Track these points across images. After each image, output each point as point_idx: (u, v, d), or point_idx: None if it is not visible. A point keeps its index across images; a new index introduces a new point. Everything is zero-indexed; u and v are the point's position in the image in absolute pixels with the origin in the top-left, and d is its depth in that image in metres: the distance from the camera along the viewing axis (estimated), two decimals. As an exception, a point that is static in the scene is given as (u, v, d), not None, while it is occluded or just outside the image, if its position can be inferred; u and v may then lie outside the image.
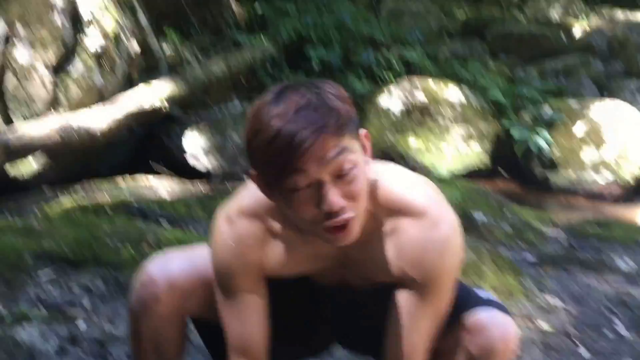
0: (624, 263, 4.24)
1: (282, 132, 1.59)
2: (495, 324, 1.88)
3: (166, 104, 5.95)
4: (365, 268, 1.87)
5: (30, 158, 5.29)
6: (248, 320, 1.88)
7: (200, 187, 6.17)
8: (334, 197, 1.64)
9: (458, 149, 7.30)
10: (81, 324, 2.93)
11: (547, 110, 7.57)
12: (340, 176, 1.65)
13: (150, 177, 6.18)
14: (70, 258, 3.38)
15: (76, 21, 5.49)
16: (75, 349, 2.73)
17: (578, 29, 10.91)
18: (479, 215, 4.55)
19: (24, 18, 5.29)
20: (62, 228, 3.62)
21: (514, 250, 4.28)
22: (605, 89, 8.89)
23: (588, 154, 7.25)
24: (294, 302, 2.03)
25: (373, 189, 1.77)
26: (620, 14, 11.70)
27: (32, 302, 3.09)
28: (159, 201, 4.54)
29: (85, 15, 5.53)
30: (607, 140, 7.26)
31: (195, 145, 6.51)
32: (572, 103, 7.73)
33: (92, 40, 5.53)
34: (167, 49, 7.26)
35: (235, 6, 8.87)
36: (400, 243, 1.80)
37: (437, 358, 1.95)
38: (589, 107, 7.56)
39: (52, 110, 5.37)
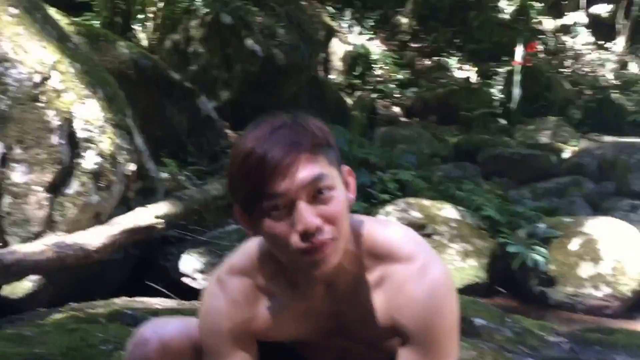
0: (628, 366, 4.13)
1: (255, 151, 1.57)
2: None
3: (162, 222, 5.90)
4: (358, 323, 1.78)
5: (25, 280, 5.19)
6: None
7: (196, 303, 6.06)
8: (308, 216, 1.59)
9: (454, 265, 7.22)
10: None
11: (541, 227, 7.52)
12: (315, 197, 1.60)
13: (146, 298, 6.08)
14: (62, 364, 3.27)
15: (73, 141, 5.50)
16: None
17: (567, 152, 11.05)
18: (479, 321, 4.46)
19: (22, 140, 5.30)
20: (55, 335, 3.52)
21: (516, 353, 4.16)
22: (597, 208, 8.90)
23: (585, 269, 7.15)
24: None
25: (357, 233, 1.72)
26: (607, 138, 11.88)
27: (23, 409, 2.96)
28: (154, 310, 4.46)
29: (82, 135, 5.54)
30: (603, 255, 7.18)
31: (191, 267, 6.43)
32: (567, 220, 7.70)
33: (89, 160, 5.53)
34: (164, 175, 7.29)
35: (231, 133, 8.97)
36: (391, 291, 1.73)
37: None
38: (584, 223, 7.52)
39: (48, 230, 5.32)
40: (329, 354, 1.91)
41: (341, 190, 1.65)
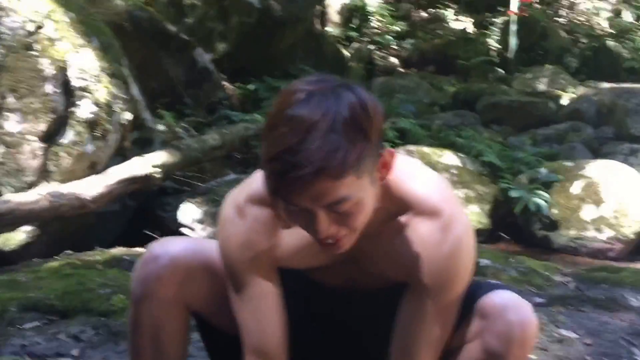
0: (637, 301, 4.00)
1: (282, 158, 1.44)
2: (512, 307, 1.70)
3: (159, 171, 5.74)
4: (374, 262, 1.74)
5: (19, 230, 5.05)
6: (265, 318, 1.74)
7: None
8: (325, 227, 1.51)
9: (457, 210, 7.10)
10: (69, 368, 2.66)
11: (543, 172, 7.39)
12: (336, 209, 1.51)
13: (144, 249, 5.94)
14: (58, 308, 3.16)
15: (68, 90, 5.33)
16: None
17: (566, 99, 10.89)
18: (484, 261, 4.34)
19: (15, 88, 5.13)
20: (50, 280, 3.40)
21: (522, 293, 4.01)
22: (597, 153, 8.76)
23: (587, 212, 7.03)
24: (296, 310, 1.85)
25: (387, 185, 1.63)
26: (604, 85, 11.71)
27: (17, 353, 2.83)
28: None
29: (77, 84, 5.37)
30: (605, 198, 7.06)
31: (190, 217, 6.29)
32: (568, 164, 7.57)
33: (84, 109, 5.36)
34: (160, 128, 7.12)
35: (228, 85, 8.81)
36: (412, 241, 1.67)
37: (450, 357, 1.79)
38: (585, 167, 7.40)
39: (42, 180, 5.17)
40: (337, 278, 1.83)
41: (367, 195, 1.53)
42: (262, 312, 1.73)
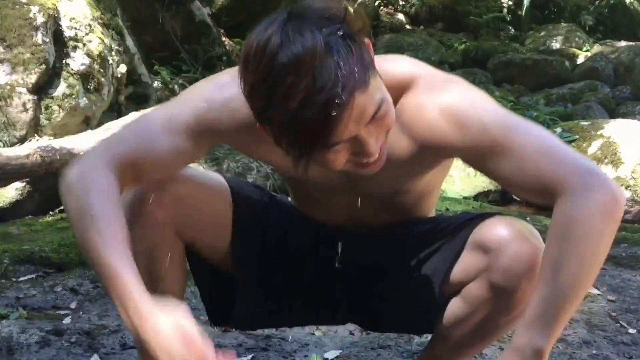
0: (659, 259, 3.99)
1: (308, 107, 1.35)
2: (517, 238, 1.61)
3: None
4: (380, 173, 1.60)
5: (10, 187, 5.02)
6: (148, 144, 1.58)
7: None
8: (373, 147, 1.46)
9: (467, 171, 7.05)
10: (67, 320, 2.64)
11: (558, 131, 7.34)
12: (375, 120, 1.44)
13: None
14: (55, 261, 3.14)
15: (59, 40, 5.28)
16: (60, 340, 2.43)
17: (581, 57, 10.82)
18: (498, 218, 4.29)
19: (4, 38, 5.07)
20: (45, 233, 3.38)
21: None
22: (613, 113, 8.72)
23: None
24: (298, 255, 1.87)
25: None
26: (622, 43, 11.64)
27: (12, 306, 2.81)
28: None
29: (69, 34, 5.32)
30: (623, 158, 7.02)
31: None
32: (584, 123, 7.51)
33: (76, 60, 5.31)
34: (156, 85, 7.08)
35: (227, 41, 8.74)
36: (410, 123, 1.59)
37: (457, 291, 1.75)
38: (602, 126, 7.33)
39: (34, 134, 5.13)
40: (340, 211, 1.81)
41: (386, 91, 1.47)
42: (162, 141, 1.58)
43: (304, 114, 1.35)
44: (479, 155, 1.54)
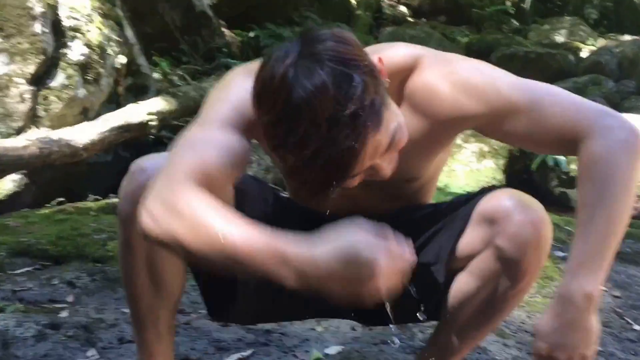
0: (664, 256, 3.98)
1: (322, 153, 1.36)
2: (521, 207, 1.61)
3: (155, 118, 5.67)
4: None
5: (7, 179, 5.00)
6: (208, 153, 1.51)
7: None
8: (388, 169, 1.51)
9: (470, 166, 7.05)
10: (63, 313, 2.61)
11: (561, 126, 7.32)
12: (390, 148, 1.47)
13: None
14: (52, 253, 3.12)
15: (58, 30, 5.25)
16: (57, 334, 2.40)
17: (585, 51, 10.79)
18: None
19: (2, 28, 5.04)
20: (42, 226, 3.35)
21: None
22: (618, 107, 8.68)
23: (608, 168, 6.97)
24: None
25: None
26: (626, 37, 11.62)
27: (8, 299, 2.78)
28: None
29: (68, 24, 5.29)
30: (627, 153, 7.00)
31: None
32: (587, 118, 7.49)
33: (75, 51, 5.28)
34: (156, 76, 7.05)
35: (228, 32, 8.71)
36: (421, 104, 1.61)
37: (463, 267, 1.74)
38: (606, 121, 7.32)
39: (31, 125, 5.10)
40: (344, 203, 1.74)
41: (398, 114, 1.49)
42: (207, 150, 1.51)
43: (317, 162, 1.37)
44: (497, 119, 1.57)
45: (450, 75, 1.57)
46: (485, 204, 1.67)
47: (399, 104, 1.61)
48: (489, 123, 1.59)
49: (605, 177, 1.46)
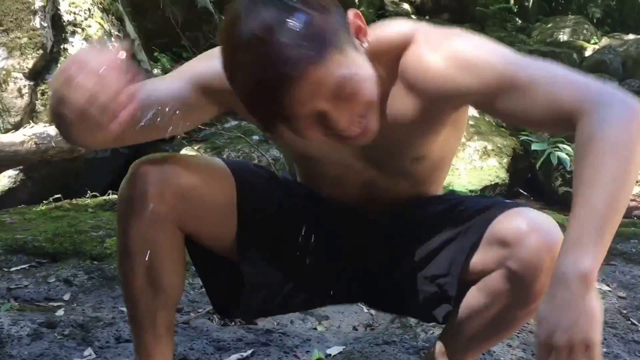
0: (670, 256, 3.94)
1: (261, 84, 1.38)
2: (535, 231, 1.55)
3: (156, 114, 5.63)
4: (397, 129, 1.63)
5: (3, 175, 4.96)
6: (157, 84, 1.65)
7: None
8: (343, 123, 1.47)
9: (474, 164, 7.00)
10: (60, 312, 2.57)
11: (565, 125, 7.28)
12: (340, 96, 1.43)
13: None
14: (48, 251, 3.08)
15: (57, 25, 5.21)
16: (53, 333, 2.36)
17: (589, 50, 10.76)
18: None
19: (1, 22, 5.01)
20: (39, 222, 3.31)
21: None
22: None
23: (612, 168, 6.94)
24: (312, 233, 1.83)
25: (371, 50, 1.54)
26: (630, 36, 11.59)
27: (3, 297, 2.75)
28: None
29: (67, 19, 5.25)
30: (632, 153, 6.96)
31: (188, 166, 6.21)
32: (591, 117, 7.45)
33: (75, 45, 5.25)
34: (156, 72, 7.01)
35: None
36: (418, 74, 1.57)
37: (471, 283, 1.70)
38: (610, 120, 7.28)
39: (29, 120, 5.06)
40: (355, 189, 1.80)
41: (361, 68, 1.46)
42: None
43: (257, 89, 1.38)
44: (492, 96, 1.51)
45: (444, 51, 1.53)
46: (500, 225, 1.62)
47: (394, 80, 1.59)
48: (484, 99, 1.53)
49: (602, 153, 1.39)
